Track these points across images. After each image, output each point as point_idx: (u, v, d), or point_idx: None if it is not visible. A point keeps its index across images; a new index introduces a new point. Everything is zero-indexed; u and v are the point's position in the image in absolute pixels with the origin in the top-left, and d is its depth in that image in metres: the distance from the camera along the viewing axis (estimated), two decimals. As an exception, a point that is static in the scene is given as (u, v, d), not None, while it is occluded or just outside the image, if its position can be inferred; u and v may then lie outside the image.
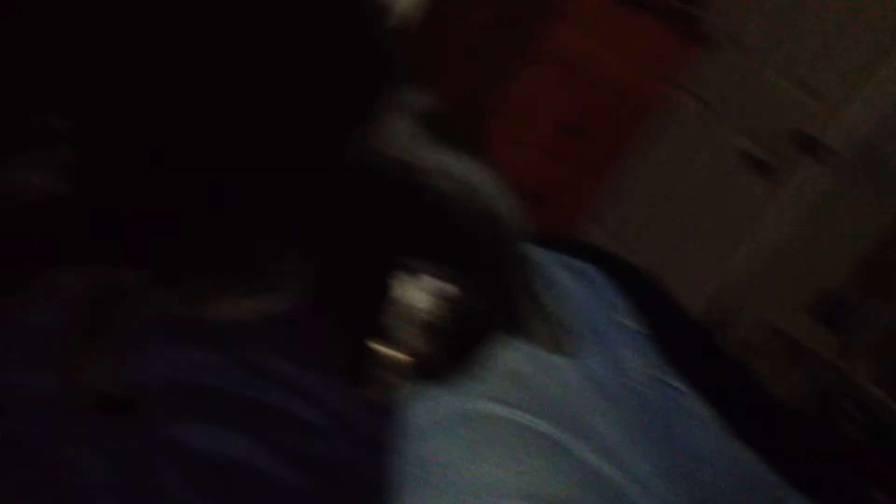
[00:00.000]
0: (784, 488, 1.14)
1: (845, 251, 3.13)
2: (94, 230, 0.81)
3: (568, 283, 1.09)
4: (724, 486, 1.09)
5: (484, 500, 0.83)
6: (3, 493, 0.81)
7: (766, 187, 3.09)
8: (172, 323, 1.01)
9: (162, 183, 0.79)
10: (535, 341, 0.91)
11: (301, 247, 0.86)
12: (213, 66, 0.79)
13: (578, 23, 2.96)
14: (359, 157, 0.84)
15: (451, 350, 0.88)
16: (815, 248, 3.14)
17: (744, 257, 3.14)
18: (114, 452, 0.89)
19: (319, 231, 0.85)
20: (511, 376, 0.94)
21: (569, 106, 3.18)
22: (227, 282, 0.88)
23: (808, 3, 3.10)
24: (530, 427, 0.90)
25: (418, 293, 0.84)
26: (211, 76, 0.79)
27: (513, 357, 0.94)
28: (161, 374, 1.01)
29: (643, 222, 3.47)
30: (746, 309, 3.26)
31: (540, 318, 0.91)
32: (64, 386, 0.93)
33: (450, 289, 0.83)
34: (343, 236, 0.84)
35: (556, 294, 1.00)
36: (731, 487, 1.09)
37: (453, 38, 3.19)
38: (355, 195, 0.84)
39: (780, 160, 3.06)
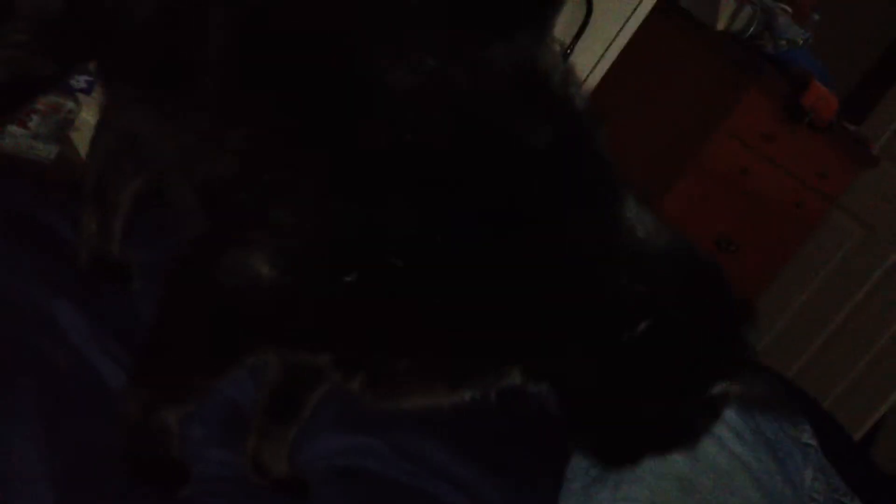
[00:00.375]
0: None
1: None
2: (307, 317, 0.84)
3: None
4: None
5: None
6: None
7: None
8: (341, 408, 1.06)
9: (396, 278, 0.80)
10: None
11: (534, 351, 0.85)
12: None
13: (742, 138, 2.97)
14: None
15: None
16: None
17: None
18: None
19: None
20: (679, 482, 0.92)
21: (725, 221, 3.15)
22: (436, 381, 0.88)
23: None
24: None
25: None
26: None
27: (685, 464, 0.93)
28: (327, 458, 1.05)
29: (798, 343, 3.40)
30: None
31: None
32: (243, 464, 0.98)
33: None
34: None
35: (735, 406, 1.00)
36: None
37: (614, 127, 3.20)
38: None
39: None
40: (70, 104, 1.43)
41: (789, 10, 2.93)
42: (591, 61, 2.68)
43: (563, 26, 2.47)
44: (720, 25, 2.83)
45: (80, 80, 1.50)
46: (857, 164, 3.23)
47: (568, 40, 2.49)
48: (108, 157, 1.11)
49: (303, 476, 1.00)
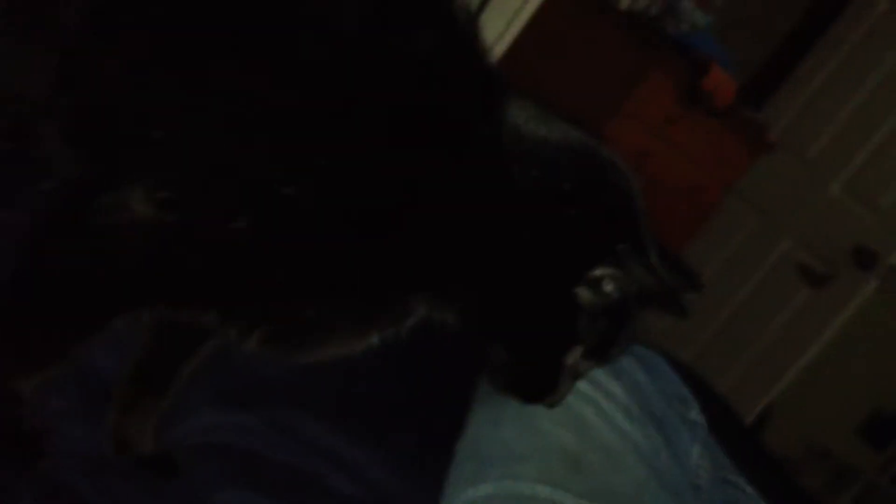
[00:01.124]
0: None
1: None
2: (195, 265, 0.79)
3: (634, 371, 1.07)
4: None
5: None
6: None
7: (820, 301, 3.07)
8: (217, 381, 1.01)
9: (280, 218, 0.77)
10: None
11: (441, 278, 0.83)
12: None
13: (643, 123, 2.98)
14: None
15: (618, 332, 0.87)
16: (867, 366, 3.10)
17: (794, 372, 3.10)
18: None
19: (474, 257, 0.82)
20: (567, 459, 0.90)
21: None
22: (343, 326, 0.85)
23: (882, 121, 3.12)
24: None
25: (609, 285, 0.83)
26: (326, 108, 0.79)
27: (572, 440, 0.91)
28: (198, 435, 1.00)
29: (691, 330, 3.44)
30: (792, 425, 3.21)
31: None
32: (108, 441, 0.92)
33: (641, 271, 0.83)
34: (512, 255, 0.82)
35: (625, 382, 0.98)
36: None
37: None
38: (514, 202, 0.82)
39: (837, 274, 3.03)
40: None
41: (692, -7, 2.96)
42: (492, 37, 2.65)
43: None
44: (623, 4, 2.84)
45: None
46: (754, 151, 3.29)
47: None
48: None
49: (171, 454, 0.94)
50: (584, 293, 0.83)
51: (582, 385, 0.94)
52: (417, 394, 1.21)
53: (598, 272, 0.82)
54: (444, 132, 0.81)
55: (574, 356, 0.85)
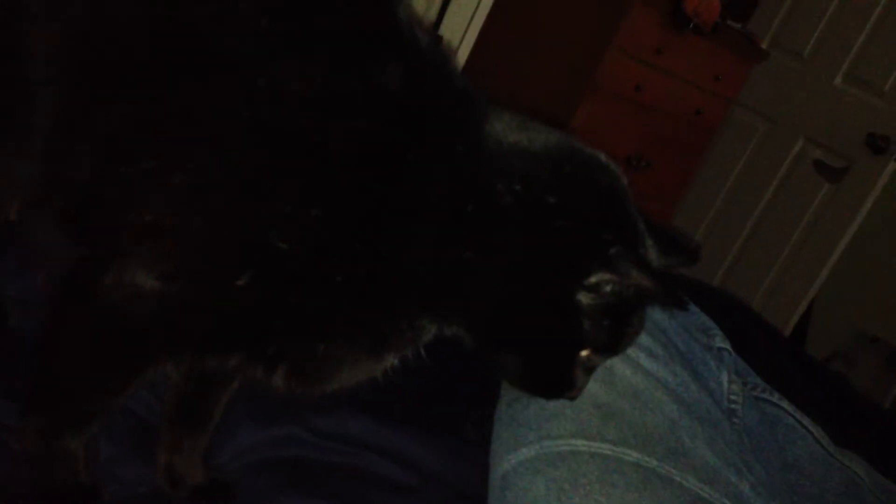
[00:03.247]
0: (892, 488, 1.12)
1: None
2: (208, 320, 0.82)
3: (650, 310, 1.09)
4: (829, 494, 1.08)
5: None
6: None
7: (842, 194, 3.07)
8: (247, 401, 1.04)
9: (279, 270, 0.79)
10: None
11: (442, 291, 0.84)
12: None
13: (635, 56, 2.98)
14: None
15: (624, 328, 0.88)
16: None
17: (829, 268, 3.10)
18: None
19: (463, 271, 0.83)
20: (599, 409, 0.92)
21: (632, 138, 3.18)
22: (359, 353, 0.87)
23: (872, 3, 3.09)
24: (621, 458, 0.88)
25: (608, 287, 0.83)
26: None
27: (601, 390, 0.93)
28: (246, 455, 1.03)
29: (719, 245, 3.45)
30: (837, 319, 3.22)
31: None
32: (158, 478, 0.96)
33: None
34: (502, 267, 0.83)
35: (645, 324, 1.01)
36: (836, 494, 1.08)
37: (505, 74, 3.19)
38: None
39: (854, 165, 3.03)
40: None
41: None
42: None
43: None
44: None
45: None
46: (749, 61, 3.27)
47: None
48: None
49: (223, 478, 0.98)
50: (584, 298, 0.83)
51: None
52: (454, 376, 1.22)
53: (593, 279, 0.82)
54: (424, 161, 0.81)
55: (585, 354, 0.87)
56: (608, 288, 0.83)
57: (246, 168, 0.78)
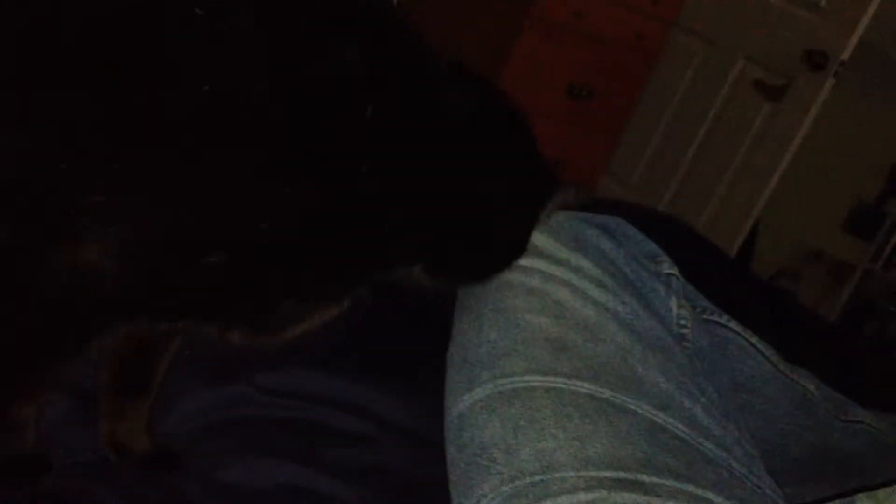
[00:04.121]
0: (841, 400, 1.14)
1: (871, 161, 3.13)
2: (165, 296, 0.80)
3: (598, 240, 1.07)
4: (781, 411, 1.10)
5: (539, 478, 0.81)
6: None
7: (783, 112, 3.08)
8: (189, 363, 1.01)
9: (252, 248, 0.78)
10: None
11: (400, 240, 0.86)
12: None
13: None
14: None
15: None
16: (841, 163, 3.14)
17: (772, 186, 3.13)
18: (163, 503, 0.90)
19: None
20: (550, 344, 0.92)
21: (572, 68, 3.16)
22: (320, 304, 0.87)
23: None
24: (574, 391, 0.88)
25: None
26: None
27: (551, 324, 0.93)
28: (193, 419, 1.01)
29: (664, 171, 3.47)
30: (782, 236, 3.26)
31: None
32: (103, 448, 0.94)
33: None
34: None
35: (592, 254, 1.00)
36: (788, 410, 1.10)
37: (443, 11, 3.14)
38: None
39: (793, 82, 3.04)
40: None
41: None
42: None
43: None
44: None
45: None
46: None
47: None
48: None
49: (169, 446, 0.96)
50: None
51: (552, 268, 0.97)
52: (404, 324, 1.22)
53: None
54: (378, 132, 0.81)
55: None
56: None
57: (202, 153, 0.75)
